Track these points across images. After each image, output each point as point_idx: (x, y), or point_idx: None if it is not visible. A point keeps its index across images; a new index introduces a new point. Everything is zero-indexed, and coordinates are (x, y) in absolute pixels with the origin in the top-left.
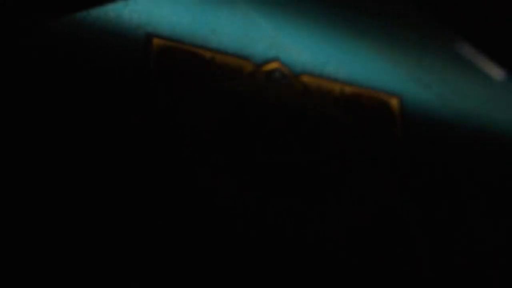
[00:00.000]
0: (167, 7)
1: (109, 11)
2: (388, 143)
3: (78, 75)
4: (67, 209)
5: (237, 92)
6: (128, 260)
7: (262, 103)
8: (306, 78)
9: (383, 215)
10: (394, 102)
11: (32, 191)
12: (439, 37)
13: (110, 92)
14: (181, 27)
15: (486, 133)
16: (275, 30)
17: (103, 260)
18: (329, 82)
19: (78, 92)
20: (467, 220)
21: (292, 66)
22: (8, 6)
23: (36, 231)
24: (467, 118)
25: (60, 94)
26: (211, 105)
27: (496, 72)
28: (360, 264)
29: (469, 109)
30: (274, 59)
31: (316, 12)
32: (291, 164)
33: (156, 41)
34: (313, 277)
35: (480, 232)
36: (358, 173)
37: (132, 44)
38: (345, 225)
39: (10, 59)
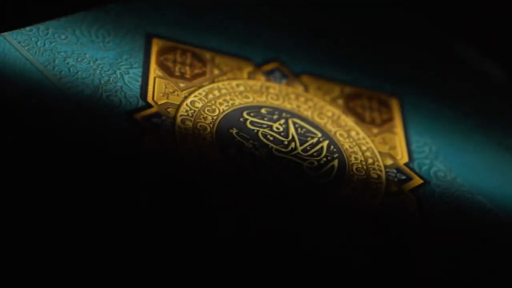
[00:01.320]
0: (167, 7)
1: (109, 11)
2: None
3: (77, 77)
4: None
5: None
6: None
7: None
8: (306, 78)
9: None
10: (394, 102)
11: None
12: (439, 37)
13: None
14: (181, 27)
15: (486, 132)
16: (275, 31)
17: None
18: (329, 82)
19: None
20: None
21: (292, 66)
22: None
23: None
24: (467, 118)
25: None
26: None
27: (496, 73)
28: None
29: (469, 110)
30: (274, 59)
31: (316, 12)
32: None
33: (156, 41)
34: None
35: None
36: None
37: (132, 45)
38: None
39: None
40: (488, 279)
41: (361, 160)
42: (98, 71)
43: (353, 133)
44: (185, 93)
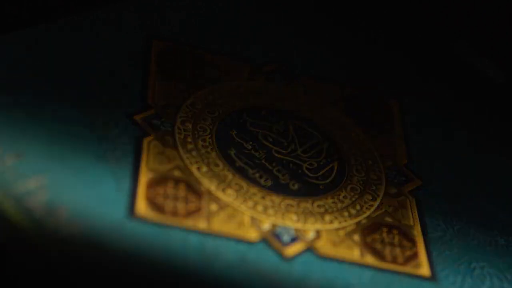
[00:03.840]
0: (167, 9)
1: (109, 12)
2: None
3: (77, 78)
4: None
5: None
6: None
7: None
8: (306, 80)
9: None
10: (394, 102)
11: None
12: (439, 37)
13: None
14: (181, 29)
15: (485, 133)
16: (275, 32)
17: None
18: (329, 84)
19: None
20: None
21: (292, 67)
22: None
23: None
24: (466, 119)
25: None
26: None
27: (495, 73)
28: None
29: (469, 110)
30: (274, 60)
31: (316, 13)
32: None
33: (156, 43)
34: None
35: None
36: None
37: (132, 46)
38: None
39: None
40: None
41: (360, 162)
42: (98, 73)
43: (353, 135)
44: (185, 94)
